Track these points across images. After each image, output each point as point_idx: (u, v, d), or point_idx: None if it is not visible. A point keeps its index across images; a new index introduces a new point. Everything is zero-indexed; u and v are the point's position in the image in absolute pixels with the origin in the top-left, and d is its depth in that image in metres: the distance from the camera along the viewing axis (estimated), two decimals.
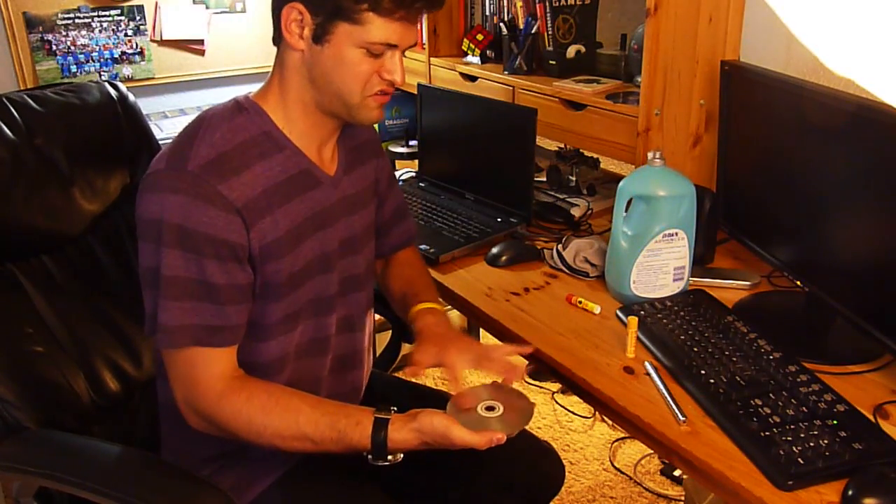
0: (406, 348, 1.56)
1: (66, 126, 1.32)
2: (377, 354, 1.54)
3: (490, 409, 1.04)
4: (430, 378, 2.46)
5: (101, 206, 1.34)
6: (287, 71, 1.04)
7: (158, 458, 1.15)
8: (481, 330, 1.43)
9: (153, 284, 0.98)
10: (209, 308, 0.98)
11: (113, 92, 1.39)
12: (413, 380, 1.48)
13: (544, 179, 1.92)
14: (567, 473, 2.06)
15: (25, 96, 1.30)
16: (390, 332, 1.55)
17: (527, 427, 1.05)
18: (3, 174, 1.22)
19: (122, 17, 2.45)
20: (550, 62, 1.84)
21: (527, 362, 1.26)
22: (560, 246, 1.51)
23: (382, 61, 1.01)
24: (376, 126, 2.39)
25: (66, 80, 2.32)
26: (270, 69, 1.08)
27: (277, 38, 1.04)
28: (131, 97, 1.42)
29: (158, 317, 0.98)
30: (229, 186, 0.97)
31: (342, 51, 0.99)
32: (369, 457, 0.99)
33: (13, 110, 1.27)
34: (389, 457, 0.99)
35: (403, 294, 1.28)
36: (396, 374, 1.48)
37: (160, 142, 1.41)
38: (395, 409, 1.00)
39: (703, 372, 1.10)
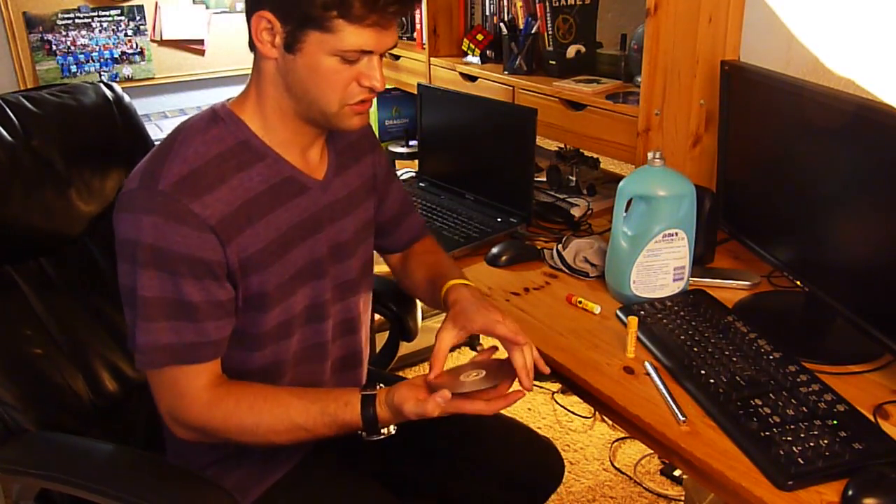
0: (404, 347, 1.56)
1: (62, 127, 1.31)
2: (376, 353, 1.54)
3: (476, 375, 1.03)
4: None
5: (98, 208, 1.34)
6: (262, 79, 1.02)
7: (161, 458, 1.15)
8: None
9: (131, 304, 0.98)
10: (187, 326, 0.97)
11: (108, 93, 1.39)
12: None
13: (544, 179, 1.92)
14: (567, 473, 2.07)
15: (21, 97, 1.30)
16: (388, 331, 1.54)
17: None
18: (1, 175, 1.22)
19: (122, 17, 2.45)
20: (550, 62, 1.84)
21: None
22: (560, 246, 1.51)
23: (359, 68, 0.97)
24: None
25: (64, 81, 2.32)
26: None
27: (252, 46, 1.02)
28: (126, 98, 1.41)
29: (136, 337, 0.97)
30: (202, 204, 0.95)
31: (315, 60, 0.95)
32: (363, 434, 1.01)
33: (9, 111, 1.26)
34: (383, 430, 1.01)
35: (430, 280, 1.24)
36: (397, 373, 1.48)
37: (158, 143, 1.42)
38: (382, 385, 1.02)
39: (703, 372, 1.10)
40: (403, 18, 2.36)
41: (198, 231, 0.94)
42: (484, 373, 1.03)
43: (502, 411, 1.02)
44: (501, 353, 1.07)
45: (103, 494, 1.00)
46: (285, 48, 0.96)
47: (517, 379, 1.02)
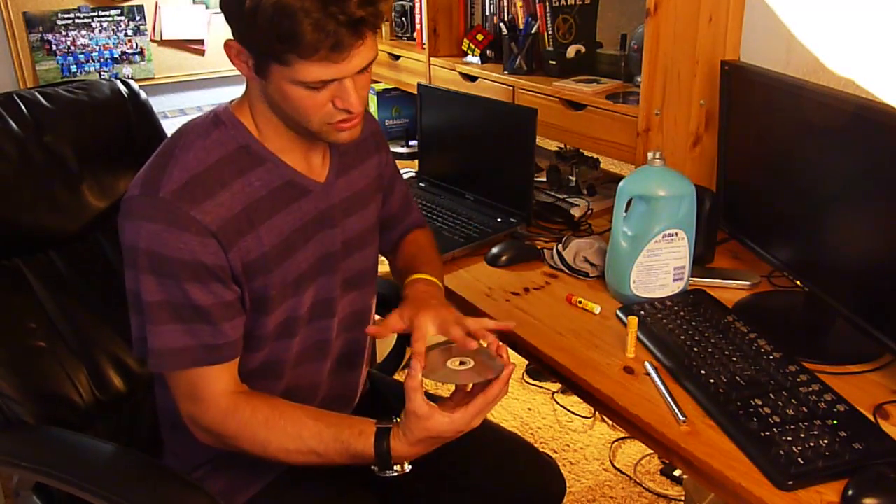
0: (409, 353, 1.55)
1: (75, 123, 1.32)
2: (383, 358, 1.54)
3: (462, 364, 1.01)
4: (431, 383, 2.45)
5: (109, 203, 1.34)
6: (251, 93, 1.02)
7: (150, 459, 1.14)
8: None
9: (138, 310, 0.98)
10: (203, 328, 0.97)
11: (124, 89, 1.40)
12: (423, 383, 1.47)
13: (544, 179, 1.92)
14: (567, 473, 2.07)
15: (36, 93, 1.31)
16: (395, 335, 1.54)
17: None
18: (12, 170, 1.23)
19: (122, 17, 2.45)
20: (550, 62, 1.84)
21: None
22: (560, 246, 1.51)
23: (331, 91, 0.95)
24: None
25: (66, 80, 2.33)
26: None
27: None
28: (143, 94, 1.42)
29: (148, 342, 0.97)
30: (203, 210, 0.95)
31: (283, 87, 0.94)
32: (375, 468, 0.98)
33: (23, 107, 1.27)
34: (396, 467, 0.98)
35: (405, 269, 1.24)
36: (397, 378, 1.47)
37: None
38: (398, 418, 0.99)
39: (703, 372, 1.10)
40: (403, 18, 2.36)
41: (199, 237, 0.94)
42: (472, 363, 1.01)
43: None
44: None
45: (87, 491, 1.00)
46: (257, 73, 0.96)
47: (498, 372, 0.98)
